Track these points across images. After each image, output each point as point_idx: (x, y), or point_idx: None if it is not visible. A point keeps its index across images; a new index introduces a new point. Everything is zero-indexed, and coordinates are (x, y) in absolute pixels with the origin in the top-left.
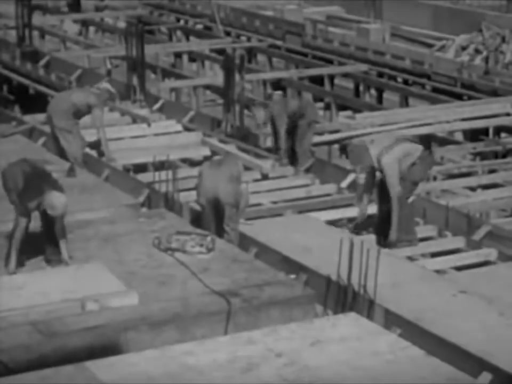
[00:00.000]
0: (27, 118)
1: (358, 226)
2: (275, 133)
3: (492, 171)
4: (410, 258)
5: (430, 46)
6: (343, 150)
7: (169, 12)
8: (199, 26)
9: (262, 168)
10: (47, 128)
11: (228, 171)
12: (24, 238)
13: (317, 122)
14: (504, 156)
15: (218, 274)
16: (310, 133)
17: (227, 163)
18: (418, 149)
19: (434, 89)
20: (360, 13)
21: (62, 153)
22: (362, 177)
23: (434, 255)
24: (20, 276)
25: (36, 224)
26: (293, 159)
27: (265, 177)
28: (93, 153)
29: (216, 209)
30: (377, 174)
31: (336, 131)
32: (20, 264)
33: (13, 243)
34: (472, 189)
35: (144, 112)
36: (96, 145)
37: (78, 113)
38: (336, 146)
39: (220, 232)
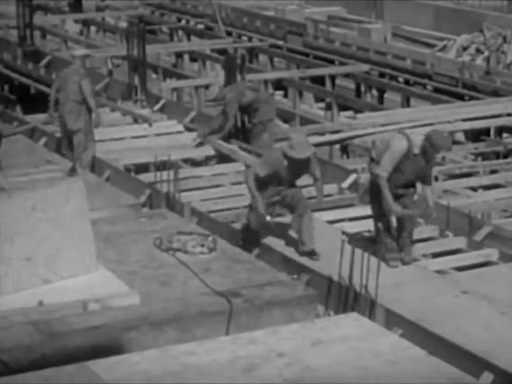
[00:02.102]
0: (28, 118)
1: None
2: (223, 114)
3: (493, 171)
4: None
5: (431, 46)
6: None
7: (170, 12)
8: (201, 26)
9: None
10: (48, 128)
11: None
12: None
13: (271, 120)
14: (505, 156)
15: (219, 275)
16: (267, 133)
17: None
18: None
19: (436, 90)
20: (362, 13)
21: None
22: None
23: (435, 255)
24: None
25: None
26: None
27: None
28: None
29: None
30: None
31: (338, 131)
32: None
33: None
34: (474, 189)
35: (145, 112)
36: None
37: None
38: (337, 146)
39: None
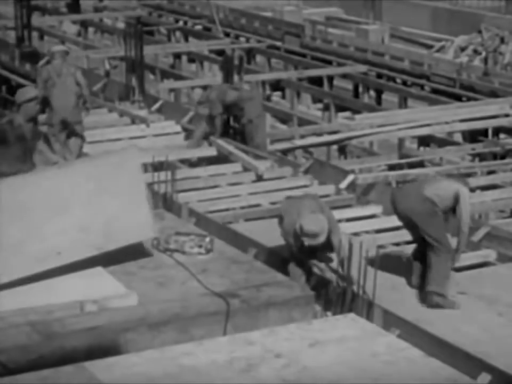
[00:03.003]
0: None
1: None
2: (210, 118)
3: (490, 172)
4: None
5: (429, 47)
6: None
7: (168, 13)
8: (198, 27)
9: (256, 169)
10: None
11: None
12: None
13: (259, 116)
14: (503, 157)
15: (217, 275)
16: (259, 130)
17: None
18: None
19: (433, 90)
20: (359, 14)
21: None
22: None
23: None
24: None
25: None
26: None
27: (260, 178)
28: None
29: None
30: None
31: (335, 132)
32: None
33: None
34: (471, 190)
35: (143, 113)
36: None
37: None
38: (335, 147)
39: None
